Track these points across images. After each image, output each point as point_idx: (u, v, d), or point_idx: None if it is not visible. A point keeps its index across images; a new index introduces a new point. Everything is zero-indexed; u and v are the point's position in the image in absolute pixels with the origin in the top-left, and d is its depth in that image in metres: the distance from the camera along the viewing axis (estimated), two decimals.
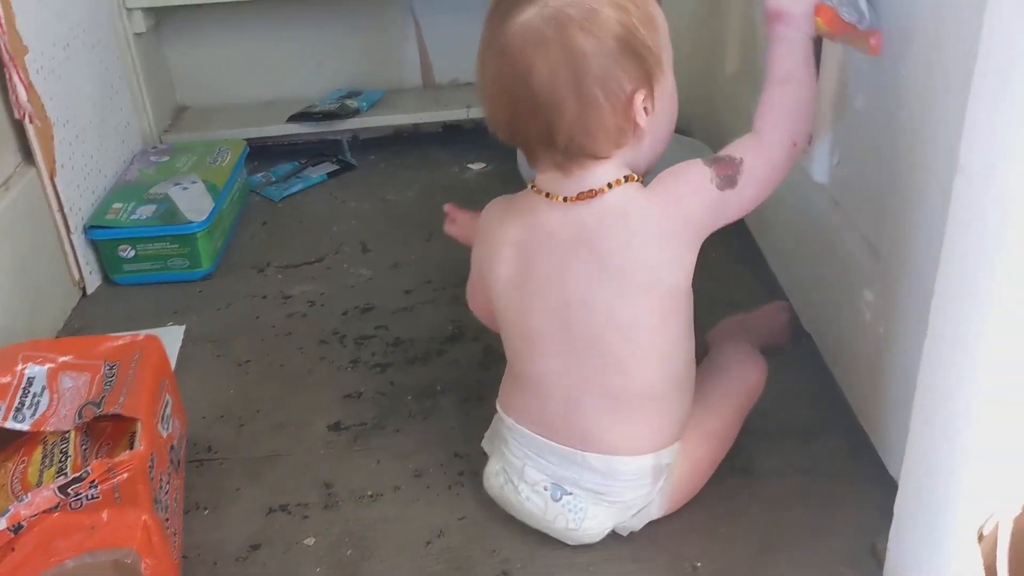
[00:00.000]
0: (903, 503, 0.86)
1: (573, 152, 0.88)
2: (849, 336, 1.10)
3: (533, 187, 0.94)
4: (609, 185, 0.89)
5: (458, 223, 1.17)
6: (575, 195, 0.90)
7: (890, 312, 0.98)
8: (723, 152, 0.92)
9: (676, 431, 0.98)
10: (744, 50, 1.48)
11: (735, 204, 0.91)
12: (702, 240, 0.91)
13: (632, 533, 0.99)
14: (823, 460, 1.08)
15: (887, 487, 0.96)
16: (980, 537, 0.54)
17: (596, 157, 0.89)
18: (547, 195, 0.92)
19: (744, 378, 1.07)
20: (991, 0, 0.62)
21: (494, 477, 1.02)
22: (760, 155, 0.91)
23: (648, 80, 0.88)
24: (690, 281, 0.93)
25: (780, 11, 0.93)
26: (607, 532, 0.98)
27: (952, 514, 0.79)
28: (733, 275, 1.42)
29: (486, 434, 1.07)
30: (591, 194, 0.90)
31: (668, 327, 0.93)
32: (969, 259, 0.69)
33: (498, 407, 1.03)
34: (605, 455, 0.95)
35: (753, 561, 0.96)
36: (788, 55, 0.93)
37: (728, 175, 0.89)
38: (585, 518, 0.96)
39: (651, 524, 1.00)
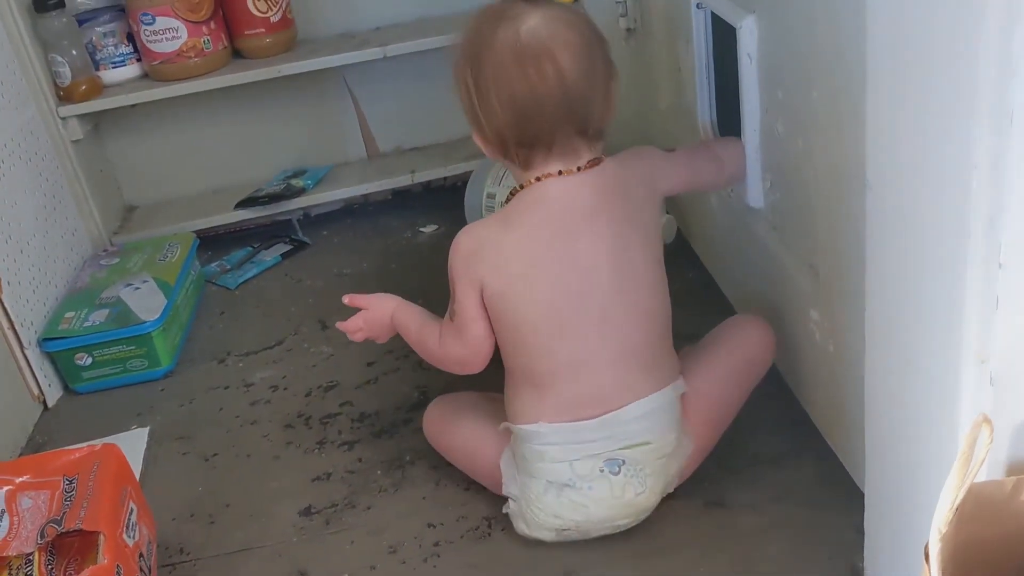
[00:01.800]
0: (871, 519, 0.86)
1: (593, 135, 1.00)
2: (805, 358, 1.10)
3: (532, 181, 1.01)
4: (600, 158, 1.02)
5: (367, 320, 1.18)
6: (586, 163, 1.00)
7: (836, 330, 0.98)
8: None
9: (676, 357, 1.08)
10: (675, 86, 1.50)
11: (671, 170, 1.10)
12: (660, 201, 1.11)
13: None
14: (796, 486, 1.08)
15: (860, 505, 0.96)
16: (927, 555, 0.54)
17: (604, 135, 1.02)
18: (559, 172, 1.00)
19: (745, 341, 1.12)
20: (870, 25, 0.64)
21: (542, 500, 1.02)
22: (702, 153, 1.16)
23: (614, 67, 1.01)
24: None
25: None
26: (653, 503, 1.04)
27: (918, 524, 0.78)
28: (691, 306, 1.42)
29: (504, 480, 1.06)
30: (597, 162, 1.01)
31: (662, 269, 1.06)
32: (890, 270, 0.70)
33: (518, 426, 1.04)
34: (650, 396, 1.02)
35: None
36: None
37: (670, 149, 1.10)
38: (648, 476, 1.02)
39: (632, 569, 0.99)
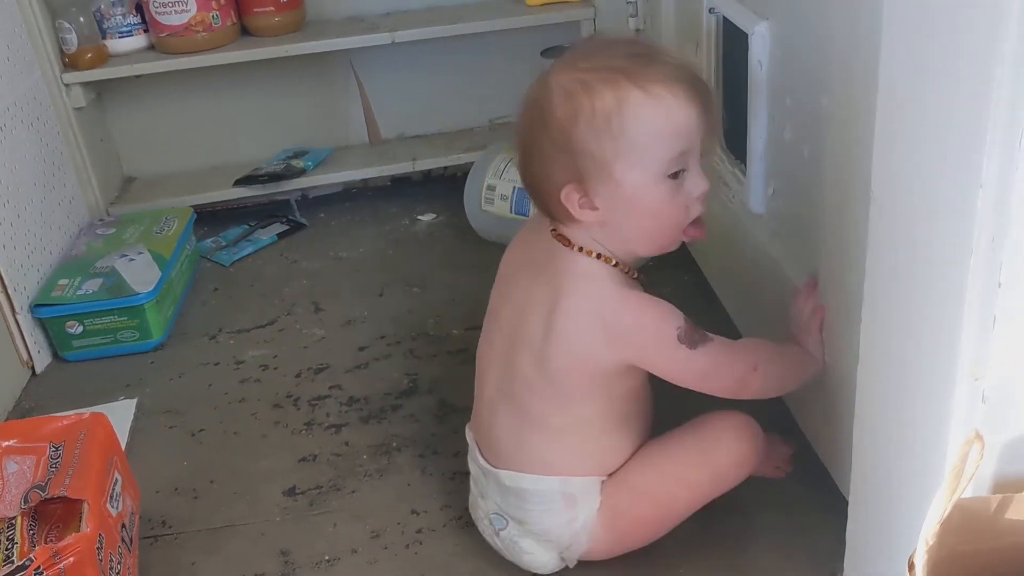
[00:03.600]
0: (854, 528, 0.87)
1: (540, 207, 0.94)
2: None
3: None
4: (581, 248, 0.92)
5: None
6: (556, 232, 0.94)
7: (832, 340, 0.99)
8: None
9: (588, 465, 0.97)
10: None
11: (680, 361, 0.92)
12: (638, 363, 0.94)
13: None
14: (783, 493, 1.08)
15: (845, 515, 0.96)
16: (911, 566, 0.55)
17: (555, 219, 0.93)
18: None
19: (714, 459, 0.98)
20: (886, 38, 0.64)
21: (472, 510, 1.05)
22: (728, 352, 0.95)
23: (577, 178, 0.89)
24: (625, 370, 0.94)
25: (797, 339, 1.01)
26: (555, 564, 1.00)
27: (900, 535, 0.79)
28: (684, 310, 1.42)
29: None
30: (567, 241, 0.93)
31: (583, 379, 0.94)
32: (889, 283, 0.70)
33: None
34: (514, 472, 0.97)
35: None
36: (799, 353, 1.00)
37: (693, 337, 0.91)
38: (523, 552, 0.99)
39: (608, 567, 0.99)
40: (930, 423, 0.67)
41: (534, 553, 0.99)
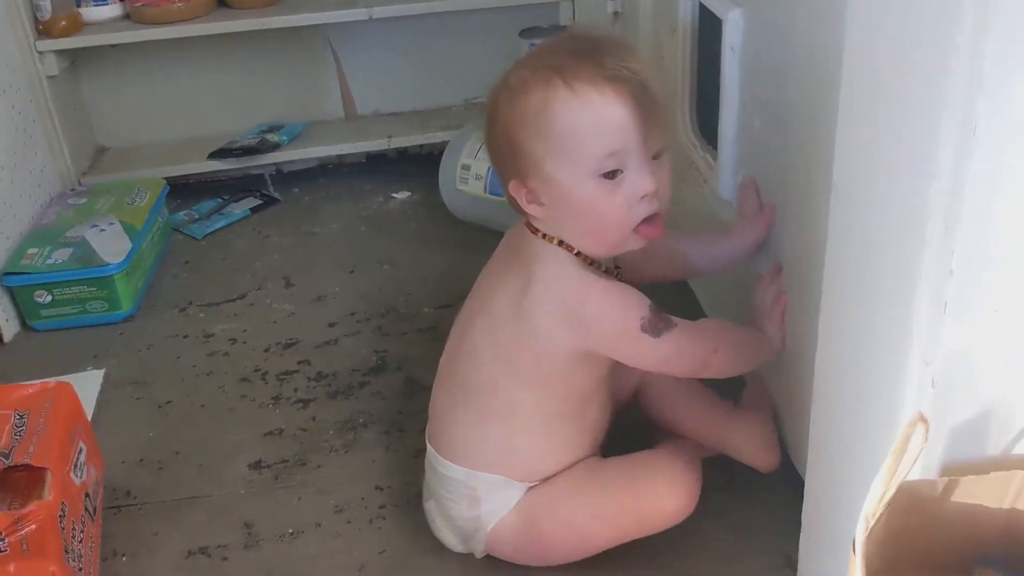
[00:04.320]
0: (808, 510, 0.88)
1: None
2: None
3: None
4: (544, 235, 0.93)
5: None
6: (526, 221, 0.95)
7: (794, 325, 1.00)
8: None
9: (505, 463, 0.96)
10: (657, 73, 1.51)
11: (644, 349, 0.92)
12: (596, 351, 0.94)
13: None
14: (743, 476, 1.09)
15: (802, 497, 0.98)
16: (855, 545, 0.56)
17: (516, 210, 0.94)
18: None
19: (643, 506, 0.96)
20: (848, 31, 0.65)
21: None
22: (691, 337, 0.94)
23: (520, 175, 0.89)
24: (577, 364, 0.94)
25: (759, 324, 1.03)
26: (462, 548, 1.01)
27: (852, 517, 0.80)
28: (654, 295, 1.43)
29: None
30: (534, 229, 0.93)
31: (531, 358, 0.93)
32: (848, 270, 0.71)
33: None
34: (432, 450, 1.00)
35: None
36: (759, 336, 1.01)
37: (657, 326, 0.91)
38: (437, 527, 1.02)
39: None
40: (883, 407, 0.68)
41: (443, 531, 1.01)
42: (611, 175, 0.86)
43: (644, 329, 0.91)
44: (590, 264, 0.93)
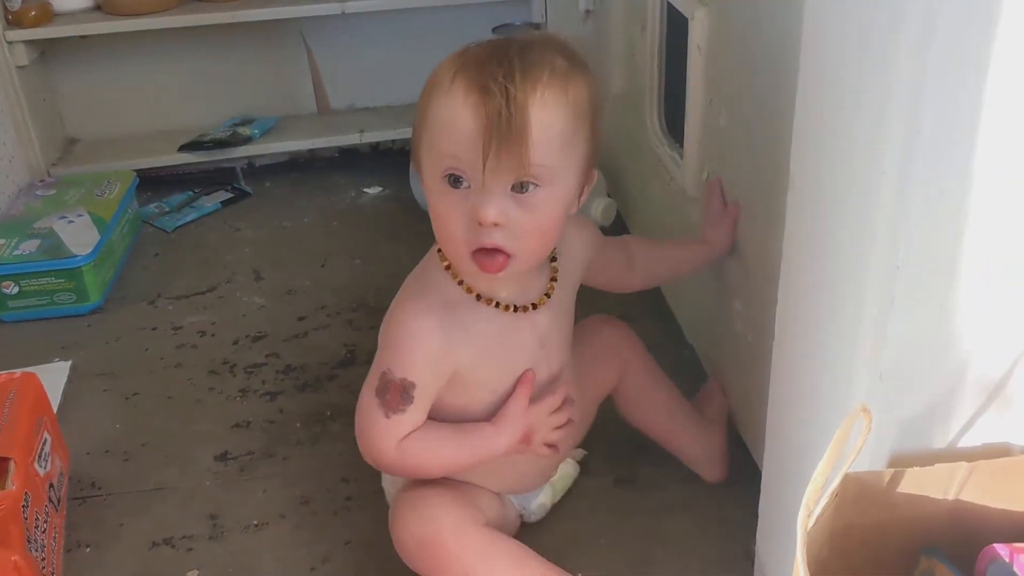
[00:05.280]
0: (765, 502, 0.89)
1: None
2: (725, 347, 1.13)
3: None
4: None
5: None
6: None
7: (757, 322, 1.01)
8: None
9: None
10: (627, 72, 1.52)
11: (363, 399, 0.89)
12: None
13: None
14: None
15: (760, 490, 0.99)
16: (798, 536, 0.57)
17: None
18: None
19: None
20: (805, 31, 0.66)
21: None
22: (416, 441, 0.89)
23: (417, 162, 0.86)
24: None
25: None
26: None
27: None
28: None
29: None
30: None
31: None
32: (803, 265, 0.73)
33: None
34: None
35: (634, 570, 0.99)
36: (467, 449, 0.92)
37: (389, 400, 0.87)
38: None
39: (532, 537, 1.01)
40: (836, 400, 0.70)
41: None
42: (455, 182, 0.80)
43: (377, 390, 0.86)
44: (459, 283, 0.88)
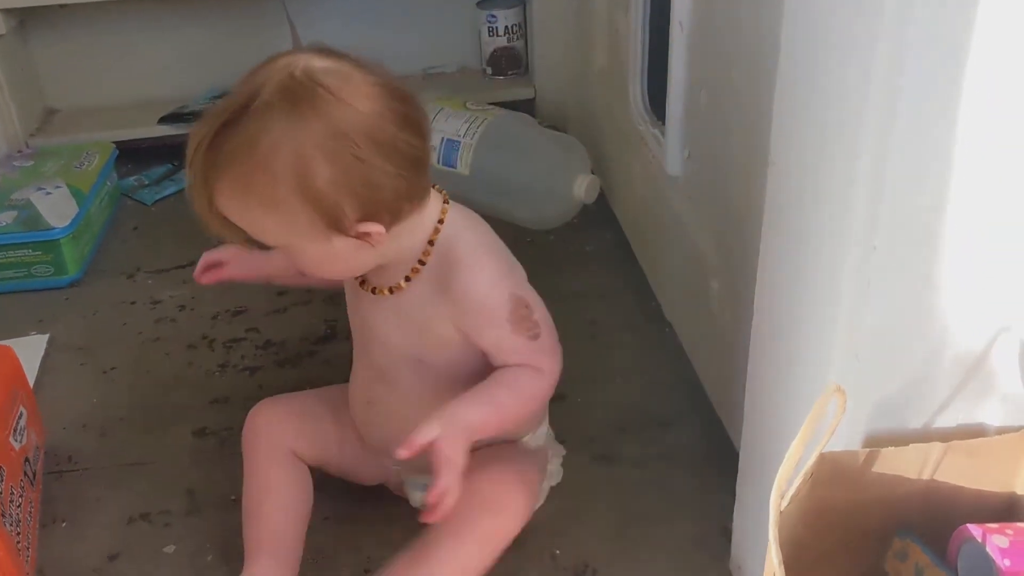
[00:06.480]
0: (743, 481, 0.90)
1: None
2: (703, 326, 1.13)
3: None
4: None
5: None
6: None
7: (735, 302, 1.01)
8: None
9: None
10: (610, 46, 1.51)
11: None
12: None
13: None
14: (680, 448, 1.11)
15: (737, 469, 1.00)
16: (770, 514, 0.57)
17: None
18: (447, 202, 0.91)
19: None
20: (787, 8, 0.65)
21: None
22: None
23: None
24: None
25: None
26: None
27: None
28: (601, 268, 1.45)
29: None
30: None
31: None
32: (781, 245, 0.72)
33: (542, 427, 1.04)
34: None
35: (610, 546, 0.99)
36: None
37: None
38: None
39: None
40: (812, 380, 0.70)
41: None
42: None
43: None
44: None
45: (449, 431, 0.79)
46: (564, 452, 1.07)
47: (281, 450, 0.98)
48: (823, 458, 0.61)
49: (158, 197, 1.74)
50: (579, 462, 1.09)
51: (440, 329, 0.88)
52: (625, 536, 1.00)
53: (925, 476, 0.63)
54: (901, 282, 0.60)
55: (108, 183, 1.66)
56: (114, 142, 1.75)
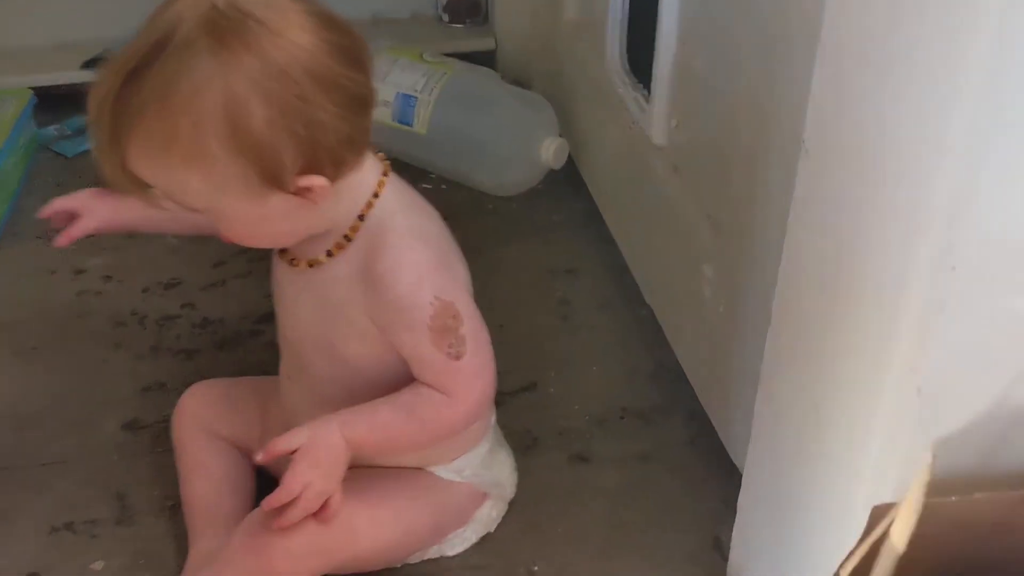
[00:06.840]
0: (748, 498, 0.81)
1: None
2: (689, 314, 1.04)
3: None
4: None
5: (317, 463, 0.77)
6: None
7: (731, 291, 0.92)
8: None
9: None
10: None
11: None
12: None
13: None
14: (664, 445, 1.03)
15: (729, 475, 0.92)
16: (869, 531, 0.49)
17: None
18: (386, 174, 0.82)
19: None
20: None
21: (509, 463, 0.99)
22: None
23: None
24: None
25: None
26: None
27: (798, 511, 0.74)
28: (571, 241, 1.35)
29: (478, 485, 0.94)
30: None
31: None
32: (814, 249, 0.63)
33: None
34: None
35: (593, 562, 0.91)
36: None
37: None
38: None
39: None
40: (847, 409, 0.61)
41: None
42: None
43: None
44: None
45: (317, 444, 0.75)
46: (511, 496, 0.94)
47: (207, 430, 0.94)
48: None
49: (81, 149, 1.59)
50: (556, 462, 1.00)
51: (354, 316, 0.78)
52: (609, 550, 0.92)
53: (993, 528, 0.54)
54: (980, 306, 0.51)
55: (25, 133, 1.51)
56: (32, 88, 1.59)
